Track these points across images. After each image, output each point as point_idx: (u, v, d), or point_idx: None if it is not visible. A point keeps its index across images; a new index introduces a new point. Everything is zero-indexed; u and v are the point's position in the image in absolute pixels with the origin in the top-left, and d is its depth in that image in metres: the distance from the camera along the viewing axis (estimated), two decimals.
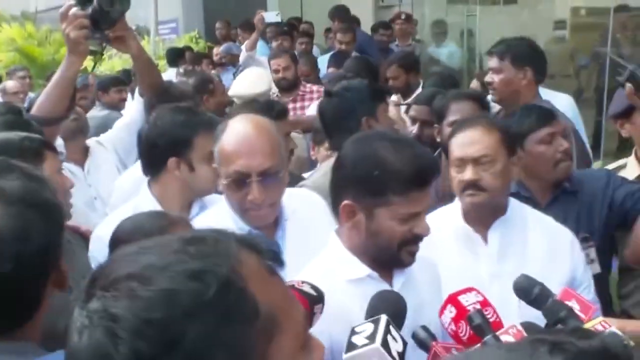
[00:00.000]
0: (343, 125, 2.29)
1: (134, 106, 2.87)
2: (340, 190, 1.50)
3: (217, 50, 6.77)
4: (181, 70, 5.97)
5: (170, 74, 5.75)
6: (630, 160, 2.46)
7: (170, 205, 1.98)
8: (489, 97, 3.06)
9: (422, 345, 1.31)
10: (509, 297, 1.45)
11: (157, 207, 1.98)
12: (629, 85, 2.20)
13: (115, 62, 7.66)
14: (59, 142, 2.66)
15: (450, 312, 1.33)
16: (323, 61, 5.38)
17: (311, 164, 3.25)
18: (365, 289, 1.45)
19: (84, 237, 2.03)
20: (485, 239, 1.86)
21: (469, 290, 1.36)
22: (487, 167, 1.81)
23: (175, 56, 6.70)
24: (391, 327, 1.21)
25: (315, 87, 4.51)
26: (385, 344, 1.17)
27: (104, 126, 3.33)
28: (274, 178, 1.66)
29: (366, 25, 7.05)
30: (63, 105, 2.32)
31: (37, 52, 8.92)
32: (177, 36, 8.70)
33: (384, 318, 1.21)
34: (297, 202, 1.81)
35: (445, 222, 1.75)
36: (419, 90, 3.95)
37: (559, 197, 2.24)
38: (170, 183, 2.04)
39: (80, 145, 3.01)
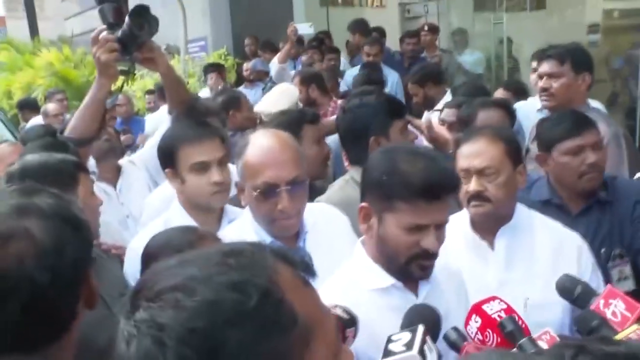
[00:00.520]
0: (356, 142, 2.31)
1: (164, 124, 2.94)
2: (362, 195, 1.54)
3: (247, 67, 6.88)
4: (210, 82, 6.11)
5: (205, 93, 5.85)
6: None
7: (193, 214, 2.09)
8: (541, 103, 2.95)
9: (454, 346, 1.32)
10: (516, 303, 1.44)
11: (185, 217, 2.06)
12: None
13: (146, 81, 7.83)
14: (91, 162, 2.74)
15: (476, 322, 1.33)
16: (352, 74, 5.44)
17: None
18: (389, 299, 1.46)
19: (116, 255, 2.09)
20: (492, 246, 1.86)
21: (492, 299, 1.36)
22: (491, 179, 1.82)
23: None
24: (427, 338, 1.22)
25: (339, 102, 4.55)
26: (421, 352, 1.18)
27: None
28: (301, 187, 1.72)
29: (393, 37, 7.07)
30: (94, 127, 2.40)
31: (73, 74, 9.17)
32: (206, 54, 8.85)
33: (421, 328, 1.22)
34: (317, 215, 1.84)
35: (454, 230, 1.74)
36: (445, 99, 3.93)
37: (592, 207, 2.19)
38: (177, 194, 2.17)
39: (113, 164, 3.09)
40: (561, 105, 2.83)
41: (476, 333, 1.33)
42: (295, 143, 1.78)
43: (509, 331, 1.27)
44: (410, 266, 1.48)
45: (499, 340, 1.29)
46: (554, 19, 7.29)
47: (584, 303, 1.36)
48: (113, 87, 2.56)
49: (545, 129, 2.28)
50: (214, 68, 6.54)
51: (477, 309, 1.35)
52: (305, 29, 6.18)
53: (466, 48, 7.02)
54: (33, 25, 14.16)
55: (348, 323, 1.22)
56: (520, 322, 1.29)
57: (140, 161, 3.05)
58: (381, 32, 6.80)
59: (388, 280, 1.51)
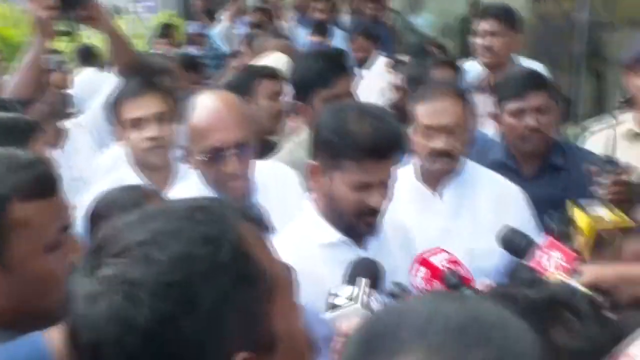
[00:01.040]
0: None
1: (110, 85, 2.86)
2: (312, 153, 1.56)
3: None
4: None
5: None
6: (629, 116, 2.32)
7: (142, 172, 2.13)
8: (482, 60, 3.03)
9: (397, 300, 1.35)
10: (462, 251, 1.50)
11: (133, 176, 2.08)
12: None
13: (93, 41, 7.53)
14: None
15: (422, 272, 1.38)
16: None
17: None
18: (338, 254, 1.50)
19: None
20: (440, 196, 1.92)
21: (438, 250, 1.41)
22: (457, 137, 1.86)
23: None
24: (371, 290, 1.25)
25: None
26: (366, 305, 1.22)
27: None
28: (249, 149, 1.71)
29: None
30: (35, 88, 2.32)
31: (11, 33, 8.73)
32: (155, 14, 8.57)
33: (363, 280, 1.25)
34: (267, 175, 1.85)
35: (400, 183, 1.78)
36: (380, 58, 4.02)
37: (546, 171, 2.19)
38: (126, 153, 2.20)
39: (55, 127, 3.00)
40: (500, 63, 2.92)
41: (422, 284, 1.38)
42: (241, 104, 1.77)
43: (453, 284, 1.32)
44: (357, 222, 1.52)
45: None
46: None
47: (525, 255, 1.42)
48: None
49: (498, 87, 2.30)
50: (165, 30, 6.33)
51: (422, 260, 1.39)
52: None
53: (421, 10, 7.01)
54: None
55: None
56: (464, 272, 1.35)
57: (86, 123, 2.97)
58: None
59: (336, 235, 1.55)
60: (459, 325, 0.55)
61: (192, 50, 6.03)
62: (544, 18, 6.59)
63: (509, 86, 2.26)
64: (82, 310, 0.67)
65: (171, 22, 7.24)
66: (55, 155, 2.86)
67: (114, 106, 2.18)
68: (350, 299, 1.23)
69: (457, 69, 2.91)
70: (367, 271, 1.34)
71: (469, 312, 0.57)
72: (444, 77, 2.63)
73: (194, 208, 0.73)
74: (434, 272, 1.37)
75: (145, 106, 2.11)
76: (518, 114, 2.16)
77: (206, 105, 1.72)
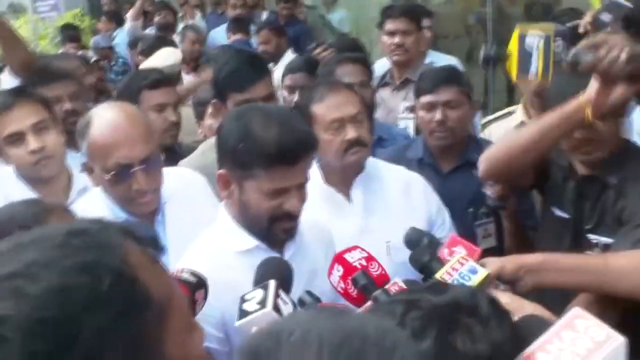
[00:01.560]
0: None
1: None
2: (219, 161, 1.50)
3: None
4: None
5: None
6: (519, 107, 2.52)
7: (34, 187, 1.96)
8: (393, 58, 3.11)
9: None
10: (378, 250, 1.48)
11: (25, 191, 1.91)
12: None
13: None
14: None
15: (338, 271, 1.36)
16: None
17: None
18: (254, 260, 1.43)
19: None
20: (348, 197, 1.90)
21: (353, 248, 1.39)
22: (362, 125, 1.86)
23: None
24: (280, 292, 1.22)
25: None
26: (276, 308, 1.18)
27: None
28: (156, 162, 1.65)
29: None
30: None
31: None
32: (59, 14, 8.16)
33: (272, 283, 1.22)
34: (175, 182, 1.78)
35: (309, 185, 1.75)
36: (288, 54, 4.06)
37: (462, 167, 2.23)
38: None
39: None
40: (411, 60, 3.03)
41: (339, 282, 1.35)
42: (143, 116, 1.70)
43: (362, 285, 1.30)
44: (274, 228, 1.47)
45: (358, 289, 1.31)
46: None
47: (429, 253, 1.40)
48: None
49: (416, 83, 2.34)
50: (69, 32, 6.03)
51: (339, 259, 1.37)
52: None
53: (336, 5, 7.04)
54: None
55: (196, 286, 1.19)
56: (378, 270, 1.33)
57: None
58: None
59: (252, 242, 1.50)
60: (334, 344, 0.56)
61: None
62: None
63: (423, 81, 2.32)
64: None
65: (76, 24, 6.93)
66: None
67: None
68: (260, 303, 1.18)
69: (365, 64, 2.88)
70: (277, 271, 1.30)
71: (344, 330, 0.58)
72: (350, 73, 2.60)
73: (70, 233, 0.67)
74: (349, 270, 1.35)
75: (20, 118, 1.92)
76: (429, 108, 2.22)
77: (106, 119, 1.62)
